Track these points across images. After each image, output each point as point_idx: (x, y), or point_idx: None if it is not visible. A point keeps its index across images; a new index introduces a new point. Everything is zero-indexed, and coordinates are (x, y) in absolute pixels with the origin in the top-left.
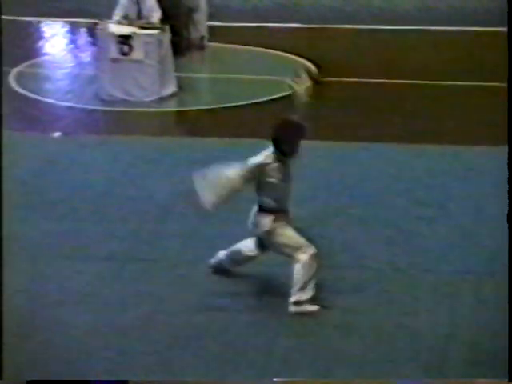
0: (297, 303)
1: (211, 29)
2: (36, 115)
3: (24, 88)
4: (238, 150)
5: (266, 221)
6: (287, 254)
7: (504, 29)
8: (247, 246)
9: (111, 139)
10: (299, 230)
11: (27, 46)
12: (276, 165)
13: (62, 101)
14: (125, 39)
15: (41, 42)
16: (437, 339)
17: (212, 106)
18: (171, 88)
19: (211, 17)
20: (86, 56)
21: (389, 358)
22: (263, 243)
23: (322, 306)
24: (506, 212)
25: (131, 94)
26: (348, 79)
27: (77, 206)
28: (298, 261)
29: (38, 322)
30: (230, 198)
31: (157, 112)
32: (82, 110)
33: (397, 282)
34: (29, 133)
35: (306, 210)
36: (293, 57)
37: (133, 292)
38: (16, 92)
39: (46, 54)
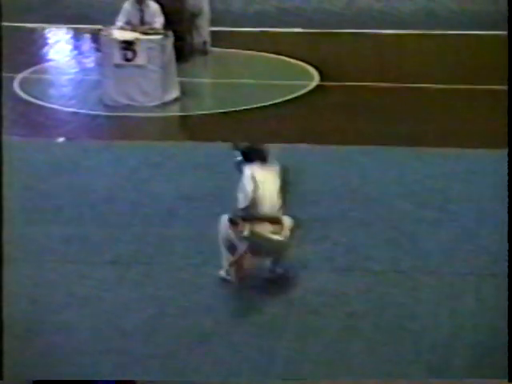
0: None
1: (214, 34)
2: (40, 121)
3: (28, 94)
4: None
5: None
6: None
7: (504, 32)
8: None
9: (115, 144)
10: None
11: (32, 52)
12: None
13: (66, 106)
14: (128, 45)
15: (45, 48)
16: (439, 340)
17: (215, 111)
18: (174, 93)
19: (214, 22)
20: (90, 62)
21: (391, 360)
22: None
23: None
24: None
25: (134, 99)
26: (350, 83)
27: (81, 211)
28: None
29: (44, 325)
30: None
31: (160, 117)
32: (86, 115)
33: (399, 285)
34: (33, 138)
35: (309, 214)
36: (295, 61)
37: (137, 295)
38: (21, 98)
39: (50, 60)
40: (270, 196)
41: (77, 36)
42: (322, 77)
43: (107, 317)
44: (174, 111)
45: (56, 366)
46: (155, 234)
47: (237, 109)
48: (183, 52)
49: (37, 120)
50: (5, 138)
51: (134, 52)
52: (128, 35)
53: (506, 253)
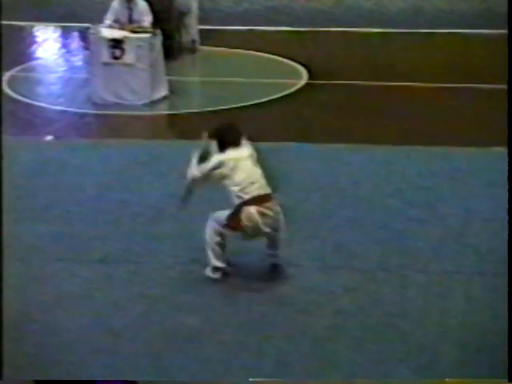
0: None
1: (202, 32)
2: (28, 119)
3: (16, 92)
4: None
5: None
6: None
7: (492, 31)
8: None
9: (103, 142)
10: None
11: (19, 50)
12: None
13: (54, 104)
14: (116, 43)
15: (33, 46)
16: (427, 339)
17: (203, 109)
18: (163, 91)
19: (202, 20)
20: (78, 60)
21: (380, 358)
22: None
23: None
24: (496, 212)
25: (123, 97)
26: (338, 82)
27: (69, 209)
28: None
29: (32, 324)
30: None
31: (148, 115)
32: (74, 113)
33: (388, 283)
34: (21, 136)
35: (297, 212)
36: (283, 60)
37: (126, 293)
38: (8, 96)
39: (38, 58)
40: (254, 175)
41: (65, 34)
42: (311, 75)
43: (95, 315)
44: (163, 110)
45: (42, 366)
46: (143, 233)
47: (225, 107)
48: (172, 50)
49: (25, 118)
50: None
51: (123, 50)
52: (116, 33)
53: (495, 251)
